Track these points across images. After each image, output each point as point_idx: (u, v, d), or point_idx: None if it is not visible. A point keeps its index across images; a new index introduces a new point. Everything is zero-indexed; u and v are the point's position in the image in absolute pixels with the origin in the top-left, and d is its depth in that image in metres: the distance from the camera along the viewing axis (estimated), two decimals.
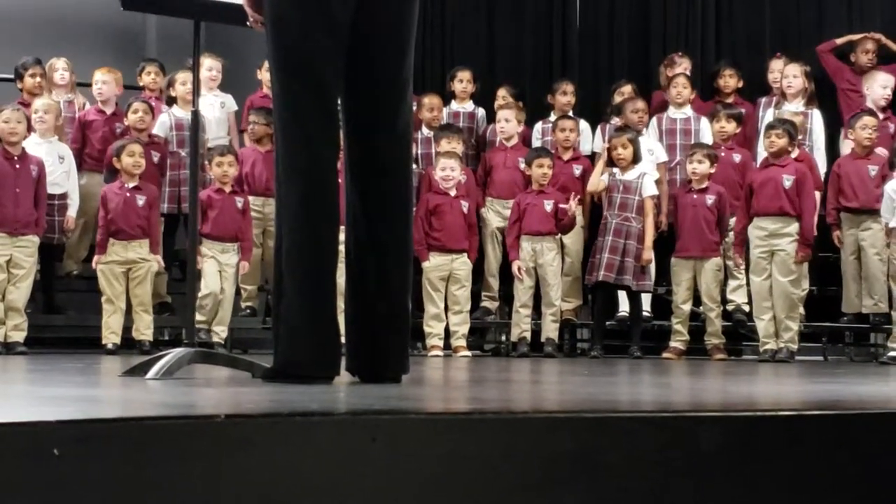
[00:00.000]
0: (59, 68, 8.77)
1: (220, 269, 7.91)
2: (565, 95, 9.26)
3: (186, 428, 1.83)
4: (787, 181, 7.80)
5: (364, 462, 1.94)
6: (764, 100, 9.26)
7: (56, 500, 1.70)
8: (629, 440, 2.20)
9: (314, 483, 1.89)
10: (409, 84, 3.64)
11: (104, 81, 8.71)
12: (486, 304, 8.80)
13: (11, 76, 8.79)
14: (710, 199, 8.19)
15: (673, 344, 8.22)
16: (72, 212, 8.17)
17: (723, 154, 8.51)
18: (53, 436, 1.72)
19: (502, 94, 9.29)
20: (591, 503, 2.11)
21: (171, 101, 8.68)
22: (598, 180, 8.35)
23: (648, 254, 8.15)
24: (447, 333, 8.24)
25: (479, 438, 2.04)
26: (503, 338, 8.84)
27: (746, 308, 8.34)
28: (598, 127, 9.21)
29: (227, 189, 8.01)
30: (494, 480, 2.03)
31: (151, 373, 3.71)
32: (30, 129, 7.86)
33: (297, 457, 1.89)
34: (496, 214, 8.71)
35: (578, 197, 8.42)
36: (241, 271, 8.10)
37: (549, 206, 8.30)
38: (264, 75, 9.09)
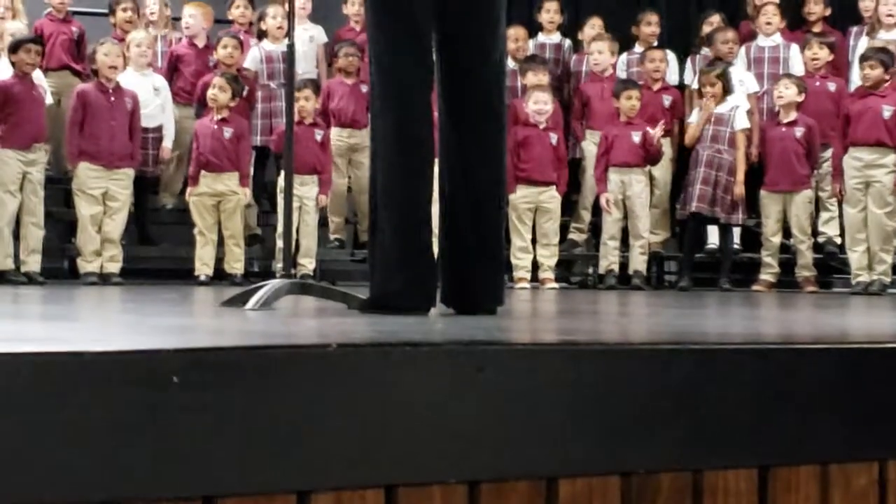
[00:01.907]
0: (149, 3, 8.84)
1: (299, 205, 7.92)
2: (650, 26, 9.17)
3: (300, 357, 1.86)
4: (887, 111, 7.66)
5: (472, 392, 1.96)
6: (855, 29, 9.06)
7: (176, 427, 1.74)
8: (732, 373, 2.20)
9: (423, 412, 1.92)
10: (502, 14, 3.63)
11: (191, 15, 8.76)
12: (573, 236, 8.81)
13: (103, 10, 8.88)
14: (798, 131, 8.08)
15: (763, 276, 8.16)
16: (167, 143, 8.27)
17: (817, 84, 8.38)
18: (173, 364, 1.76)
19: (599, 24, 9.19)
20: (697, 436, 2.13)
21: (262, 35, 8.72)
22: (697, 132, 8.25)
23: (740, 188, 8.08)
24: (534, 265, 8.25)
25: (587, 369, 2.05)
26: (590, 270, 8.84)
27: (838, 240, 8.25)
28: (689, 58, 9.10)
29: (307, 121, 8.01)
30: (602, 411, 2.05)
31: (250, 303, 3.76)
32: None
33: (407, 386, 1.92)
34: (595, 147, 8.66)
35: (665, 125, 8.37)
36: (320, 204, 8.14)
37: (637, 137, 8.25)
38: (349, 9, 9.11)
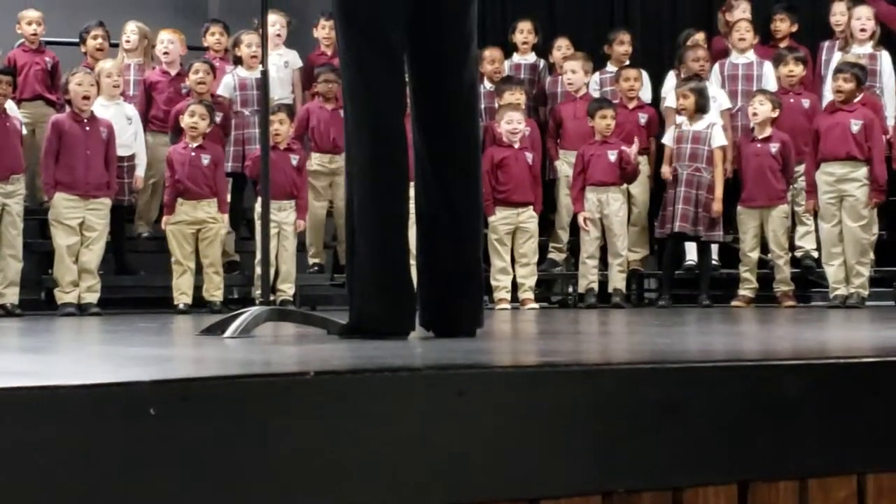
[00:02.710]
0: (128, 31, 8.82)
1: (277, 230, 7.90)
2: (622, 45, 9.21)
3: (278, 386, 1.86)
4: (855, 126, 7.72)
5: (453, 416, 1.96)
6: (827, 43, 9.09)
7: (154, 459, 1.73)
8: (711, 390, 2.20)
9: (404, 438, 1.92)
10: (473, 37, 3.64)
11: (171, 41, 8.74)
12: (553, 255, 8.83)
13: (76, 40, 8.86)
14: (773, 146, 8.12)
15: (742, 292, 8.18)
16: (140, 171, 8.26)
17: (791, 100, 8.43)
18: (149, 396, 1.75)
19: (566, 44, 9.24)
20: (677, 453, 2.13)
21: (238, 61, 8.72)
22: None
23: (718, 205, 8.12)
24: (514, 286, 8.26)
25: (568, 391, 2.06)
26: (570, 289, 8.85)
27: (815, 254, 8.28)
28: (671, 73, 9.14)
29: (282, 147, 7.99)
30: (583, 432, 2.05)
31: (229, 331, 3.75)
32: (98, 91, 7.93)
33: (387, 412, 1.92)
34: (569, 166, 8.68)
35: (641, 142, 8.41)
36: (298, 229, 8.13)
37: (612, 156, 8.28)
38: (320, 33, 9.12)
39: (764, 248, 8.27)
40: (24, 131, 7.86)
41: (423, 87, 3.60)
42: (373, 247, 3.46)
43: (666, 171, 8.28)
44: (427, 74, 3.59)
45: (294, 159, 8.13)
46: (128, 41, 8.81)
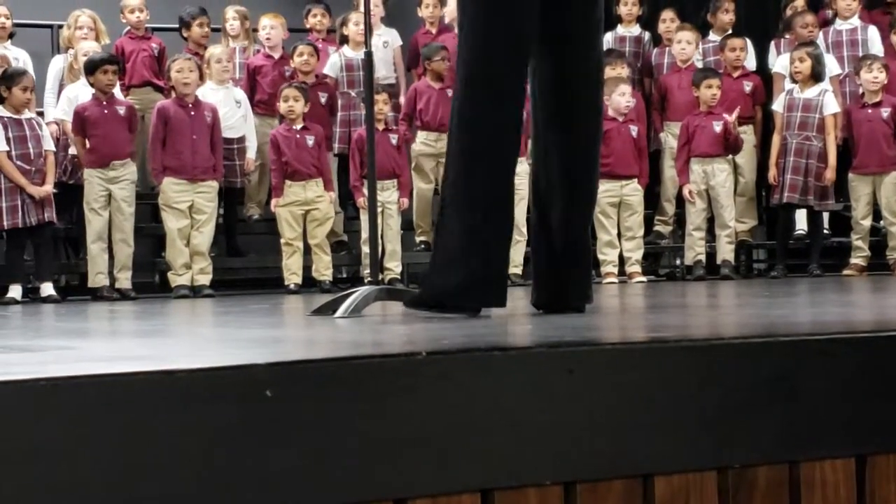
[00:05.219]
0: (229, 18, 8.92)
1: (381, 209, 7.93)
2: (727, 13, 9.10)
3: (391, 366, 1.88)
4: None
5: (563, 393, 1.97)
6: None
7: (272, 441, 1.76)
8: (825, 362, 2.18)
9: (516, 416, 1.93)
10: (601, 24, 3.61)
11: (272, 27, 8.82)
12: (659, 228, 8.77)
13: (177, 26, 8.98)
14: (885, 111, 7.98)
15: (854, 260, 8.05)
16: (250, 154, 8.34)
17: None
18: (266, 378, 1.79)
19: (670, 17, 9.15)
20: (792, 428, 2.11)
21: (343, 41, 8.78)
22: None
23: (831, 174, 7.99)
24: (621, 260, 8.22)
25: (678, 366, 2.05)
26: (677, 262, 8.79)
27: None
28: (773, 43, 9.00)
29: (381, 127, 8.00)
30: (695, 407, 2.04)
31: (340, 311, 3.79)
32: (201, 76, 8.04)
33: (498, 391, 1.93)
34: (674, 138, 8.60)
35: (745, 113, 8.30)
36: (401, 208, 8.17)
37: (718, 127, 8.19)
38: (424, 12, 9.11)
39: (876, 215, 8.13)
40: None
41: (557, 68, 3.52)
42: (458, 221, 3.40)
43: (776, 141, 8.17)
44: (563, 55, 3.51)
45: (394, 139, 8.17)
46: (232, 28, 8.91)
